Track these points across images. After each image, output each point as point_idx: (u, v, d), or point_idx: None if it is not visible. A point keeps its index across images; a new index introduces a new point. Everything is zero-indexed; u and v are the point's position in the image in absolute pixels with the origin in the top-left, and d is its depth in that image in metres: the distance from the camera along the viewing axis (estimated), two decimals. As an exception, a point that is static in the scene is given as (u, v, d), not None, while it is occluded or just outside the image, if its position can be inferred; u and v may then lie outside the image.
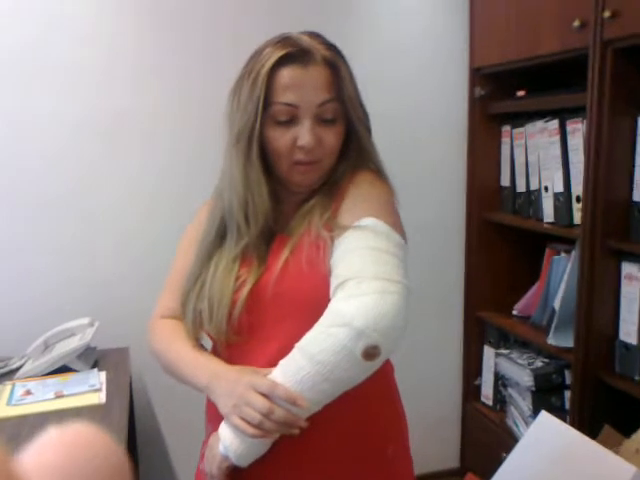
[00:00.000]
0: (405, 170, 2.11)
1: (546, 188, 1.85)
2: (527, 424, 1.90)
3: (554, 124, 1.78)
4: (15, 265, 1.82)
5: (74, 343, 1.65)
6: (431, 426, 2.31)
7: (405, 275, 0.85)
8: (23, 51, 1.75)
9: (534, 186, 1.93)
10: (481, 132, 2.11)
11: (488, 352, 2.19)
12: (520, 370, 1.93)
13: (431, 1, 2.09)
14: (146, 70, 1.86)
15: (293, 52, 0.90)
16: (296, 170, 0.95)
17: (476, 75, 2.09)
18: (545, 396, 1.89)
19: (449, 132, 2.17)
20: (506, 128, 2.07)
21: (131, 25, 1.83)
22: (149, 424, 2.00)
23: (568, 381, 1.87)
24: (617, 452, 1.29)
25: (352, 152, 0.99)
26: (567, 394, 1.87)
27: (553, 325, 1.78)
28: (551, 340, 1.78)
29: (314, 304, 0.86)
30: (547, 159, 1.83)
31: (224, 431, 0.88)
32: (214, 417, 0.93)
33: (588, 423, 1.64)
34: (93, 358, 1.72)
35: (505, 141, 2.08)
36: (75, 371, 1.64)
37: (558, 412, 1.74)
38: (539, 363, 1.92)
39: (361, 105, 0.98)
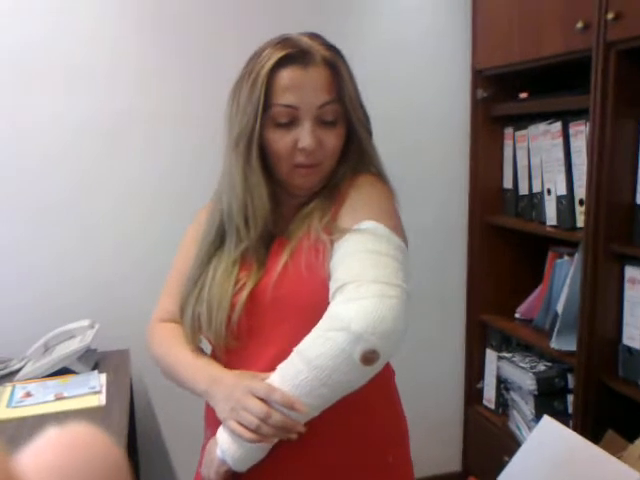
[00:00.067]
0: (407, 172, 2.10)
1: (549, 191, 1.84)
2: (530, 428, 1.89)
3: (557, 126, 1.77)
4: (16, 266, 1.82)
5: (74, 345, 1.65)
6: (433, 429, 2.30)
7: (405, 279, 0.84)
8: (24, 52, 1.75)
9: (537, 189, 1.92)
10: (483, 134, 2.10)
11: (490, 355, 2.18)
12: (523, 374, 1.92)
13: (433, 2, 2.08)
14: (148, 72, 1.86)
15: (293, 53, 0.89)
16: (297, 173, 0.94)
17: (478, 77, 2.08)
18: (548, 400, 1.88)
19: (451, 134, 2.17)
20: (509, 130, 2.06)
21: (133, 27, 1.83)
22: (150, 426, 2.00)
23: (571, 385, 1.86)
24: (620, 457, 1.28)
25: (353, 154, 0.98)
26: (570, 398, 1.85)
27: (556, 329, 1.77)
28: (554, 344, 1.77)
29: (313, 308, 0.85)
30: (550, 162, 1.82)
31: (222, 435, 0.87)
32: (213, 422, 0.92)
33: (591, 428, 1.62)
34: (93, 360, 1.72)
35: (508, 143, 2.07)
36: (75, 373, 1.63)
37: (561, 416, 1.73)
38: (542, 367, 1.91)
39: (361, 106, 0.97)
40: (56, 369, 1.62)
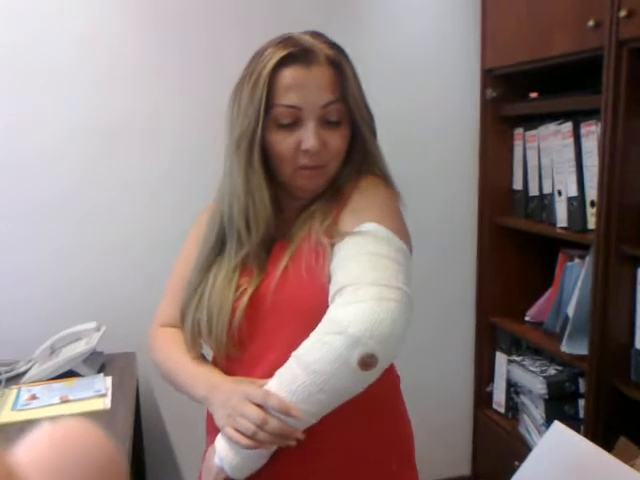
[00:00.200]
0: (416, 173, 2.09)
1: (559, 192, 1.81)
2: (540, 433, 1.86)
3: (568, 126, 1.74)
4: (21, 267, 1.82)
5: (80, 347, 1.65)
6: (442, 432, 2.28)
7: (406, 281, 0.82)
8: (21, 50, 1.74)
9: (547, 190, 1.89)
10: (493, 134, 2.08)
11: (500, 358, 2.16)
12: (533, 378, 1.89)
13: (442, 1, 2.06)
14: (147, 71, 1.84)
15: (295, 52, 0.87)
16: (300, 175, 0.92)
17: (488, 76, 2.06)
18: (558, 404, 1.85)
19: (460, 134, 2.14)
20: (519, 130, 2.03)
21: (133, 25, 1.82)
22: (156, 427, 1.99)
23: (582, 389, 1.83)
24: (633, 466, 1.25)
25: (357, 155, 0.96)
26: (581, 403, 1.83)
27: (567, 332, 1.74)
28: (564, 347, 1.74)
29: (313, 312, 0.83)
30: (560, 162, 1.79)
31: (219, 442, 0.86)
32: (213, 429, 0.91)
33: (603, 434, 1.60)
34: (99, 363, 1.71)
35: (517, 144, 2.05)
36: (81, 376, 1.63)
37: (572, 421, 1.71)
38: (552, 371, 1.88)
39: (366, 106, 0.95)
40: (62, 372, 1.62)
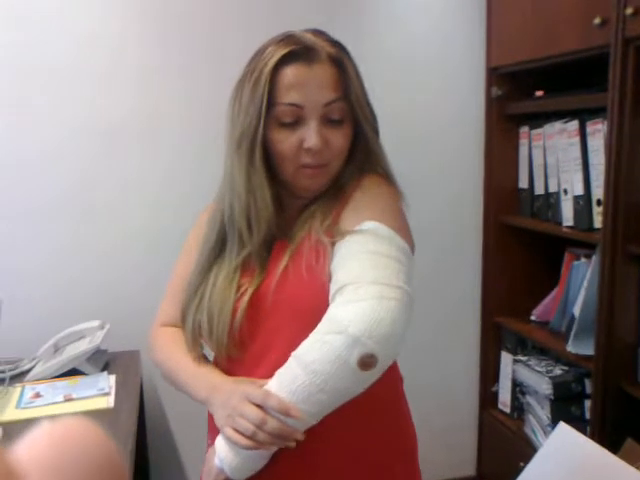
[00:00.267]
0: (421, 171, 2.08)
1: (565, 191, 1.80)
2: (546, 433, 1.85)
3: (574, 125, 1.73)
4: (22, 266, 1.82)
5: (84, 346, 1.65)
6: (447, 432, 2.27)
7: (407, 280, 0.81)
8: (21, 50, 1.74)
9: (553, 189, 1.88)
10: (498, 133, 2.07)
11: (506, 358, 2.14)
12: (538, 378, 1.88)
13: (447, -1, 2.05)
14: (147, 70, 1.84)
15: (297, 50, 0.87)
16: (302, 174, 0.91)
17: (493, 75, 2.04)
18: (564, 405, 1.84)
19: (466, 133, 2.13)
20: (524, 129, 2.02)
21: (133, 25, 1.82)
22: (160, 425, 1.99)
23: (588, 390, 1.81)
24: (639, 468, 1.24)
25: (359, 154, 0.95)
26: (587, 403, 1.81)
27: (573, 332, 1.73)
28: (570, 347, 1.73)
29: (314, 311, 0.83)
30: (566, 161, 1.78)
31: (219, 443, 0.86)
32: (213, 430, 0.90)
33: (609, 436, 1.58)
34: (103, 361, 1.71)
35: (523, 142, 2.03)
36: (84, 374, 1.63)
37: (578, 422, 1.69)
38: (558, 371, 1.87)
39: (368, 105, 0.94)
40: (65, 370, 1.62)
